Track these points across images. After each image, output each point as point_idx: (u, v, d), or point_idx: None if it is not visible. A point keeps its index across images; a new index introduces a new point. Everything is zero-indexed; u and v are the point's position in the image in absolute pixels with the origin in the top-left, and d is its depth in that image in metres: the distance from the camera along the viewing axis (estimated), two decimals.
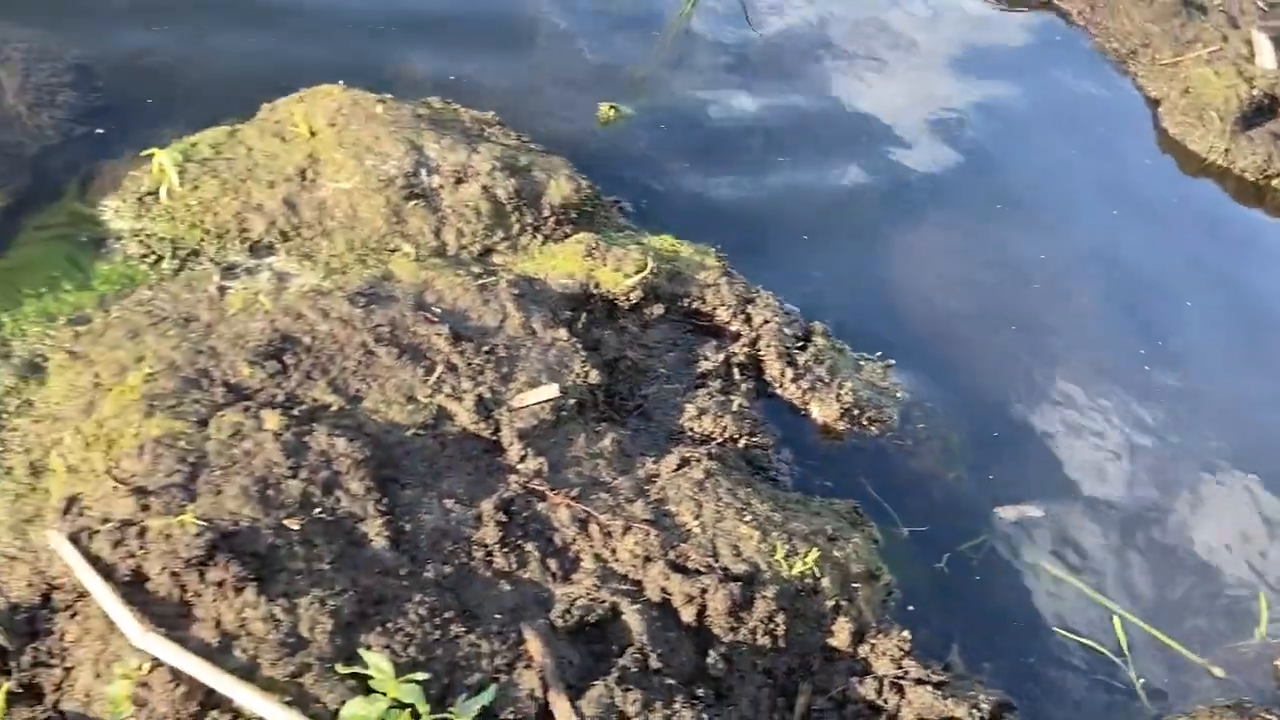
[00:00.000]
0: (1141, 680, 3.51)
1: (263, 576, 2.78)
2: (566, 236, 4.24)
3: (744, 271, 4.35)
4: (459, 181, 4.15)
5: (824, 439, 3.94)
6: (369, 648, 2.69)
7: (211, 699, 2.59)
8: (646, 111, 5.16)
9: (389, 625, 2.79)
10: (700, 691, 2.94)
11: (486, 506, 3.18)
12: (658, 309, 4.13)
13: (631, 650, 2.93)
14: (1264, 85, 6.12)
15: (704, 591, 3.10)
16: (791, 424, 3.96)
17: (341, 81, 4.37)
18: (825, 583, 3.27)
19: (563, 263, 4.09)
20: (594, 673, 2.88)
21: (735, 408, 3.84)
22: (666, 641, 3.02)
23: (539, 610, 3.00)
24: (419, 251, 3.98)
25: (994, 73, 6.24)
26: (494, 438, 3.45)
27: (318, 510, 3.00)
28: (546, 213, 4.24)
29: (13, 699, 2.63)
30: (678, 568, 3.17)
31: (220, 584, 2.73)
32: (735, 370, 4.03)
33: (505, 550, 3.11)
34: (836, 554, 3.39)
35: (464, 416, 3.43)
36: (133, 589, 2.75)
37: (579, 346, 3.78)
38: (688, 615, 3.08)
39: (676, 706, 2.82)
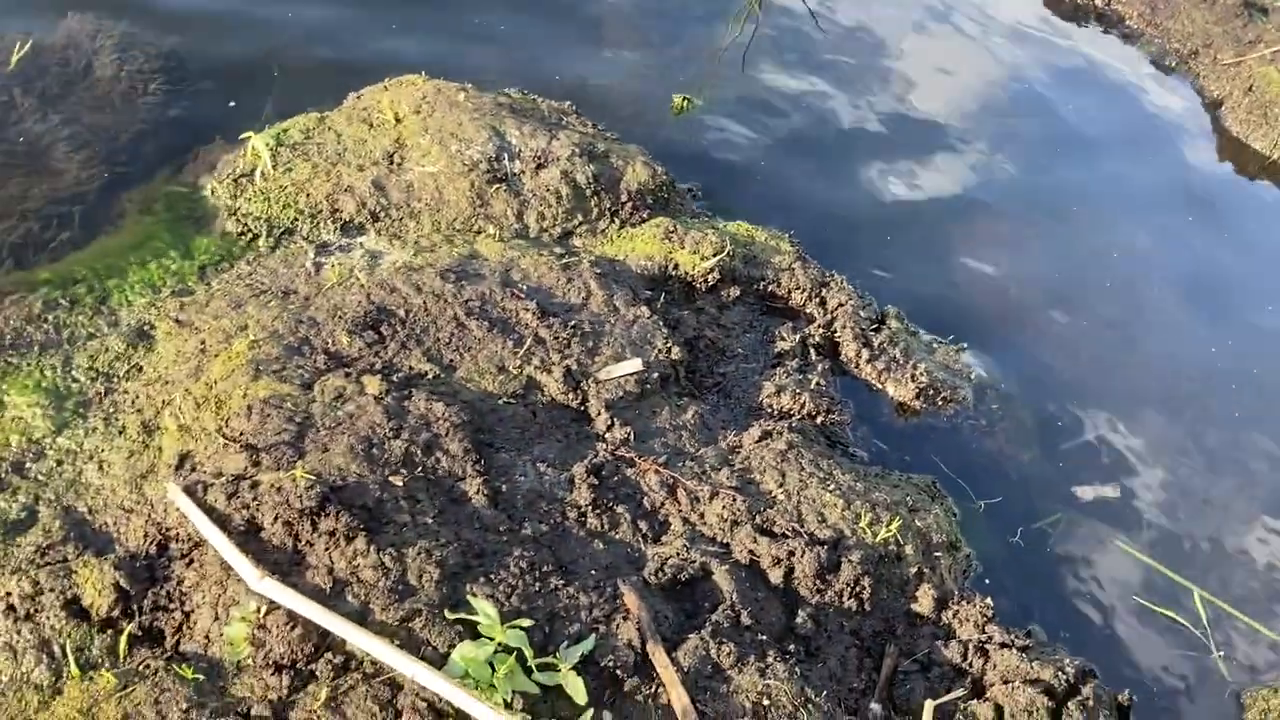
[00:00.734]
0: (1221, 653, 3.53)
1: (371, 528, 2.88)
2: (643, 221, 4.34)
3: (817, 259, 4.43)
4: (539, 167, 4.26)
5: (900, 417, 4.01)
6: (474, 595, 2.79)
7: (326, 641, 2.69)
8: (717, 104, 5.26)
9: (491, 576, 2.88)
10: (791, 648, 3.01)
11: (579, 470, 3.27)
12: (734, 291, 4.22)
13: (723, 607, 3.01)
14: None
15: (791, 554, 3.17)
16: (868, 402, 4.02)
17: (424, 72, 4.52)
18: (908, 550, 3.34)
19: (642, 245, 4.19)
20: (687, 628, 2.96)
21: (813, 385, 3.91)
22: (756, 601, 3.09)
23: (631, 569, 3.08)
24: (502, 233, 4.09)
25: (1056, 78, 6.29)
26: (581, 408, 3.54)
27: (419, 469, 3.10)
28: (624, 198, 4.35)
29: (135, 641, 2.74)
30: (765, 531, 3.24)
31: (332, 533, 2.83)
32: (811, 351, 4.10)
33: (598, 512, 3.20)
34: (918, 524, 3.45)
35: (553, 387, 3.53)
36: (247, 538, 2.86)
37: (660, 324, 3.87)
38: (775, 577, 3.16)
39: (770, 660, 2.89)
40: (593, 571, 3.03)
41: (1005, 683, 3.04)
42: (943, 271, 4.73)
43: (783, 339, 4.10)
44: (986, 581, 3.52)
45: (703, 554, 3.14)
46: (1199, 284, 5.07)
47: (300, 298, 3.65)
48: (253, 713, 2.60)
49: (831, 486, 3.43)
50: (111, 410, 3.27)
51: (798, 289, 4.29)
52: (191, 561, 2.88)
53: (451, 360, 3.50)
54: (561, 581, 2.95)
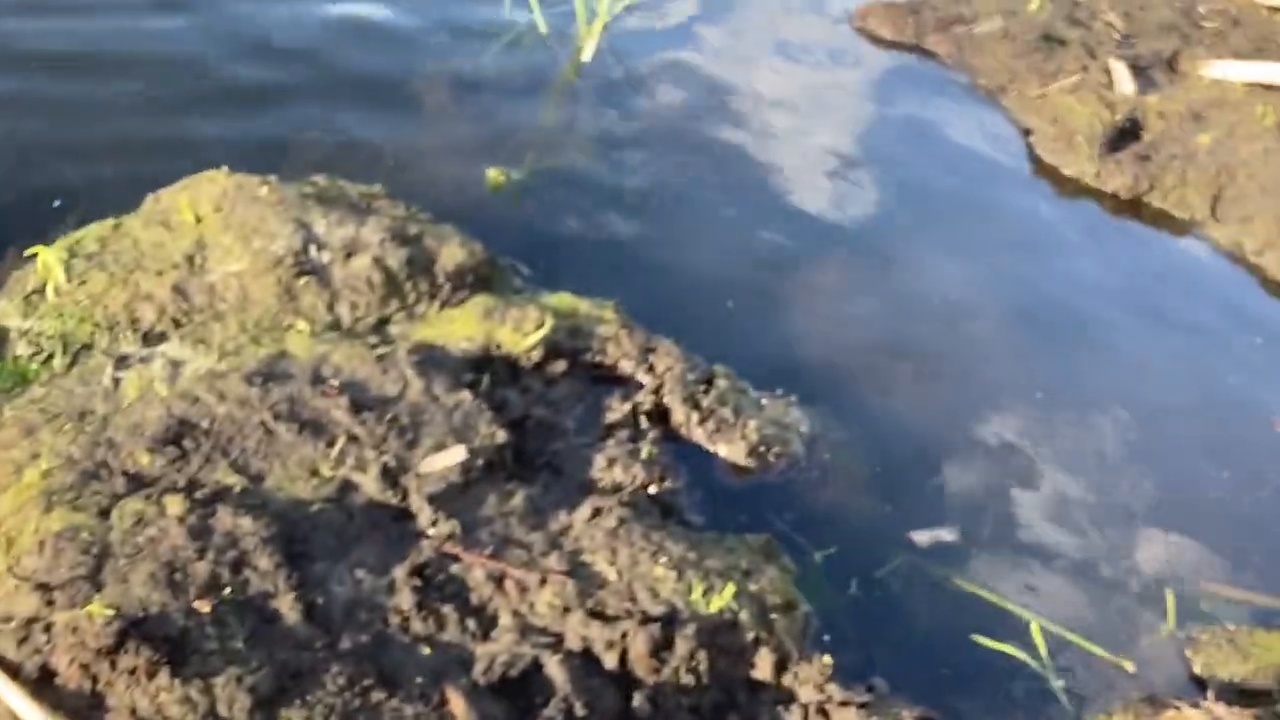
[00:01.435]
0: (1061, 683, 3.58)
1: (176, 660, 2.74)
2: (463, 302, 4.28)
3: (643, 324, 4.42)
4: (349, 255, 4.17)
5: (733, 477, 4.00)
6: None
7: None
8: (538, 176, 5.25)
9: (308, 697, 2.76)
10: None
11: (399, 573, 3.17)
12: (561, 365, 4.17)
13: (555, 700, 2.94)
14: (1124, 110, 6.43)
15: (624, 635, 3.12)
16: (701, 466, 4.01)
17: (225, 166, 4.40)
18: (744, 616, 3.31)
19: (461, 327, 4.12)
20: None
21: (644, 455, 3.88)
22: (590, 689, 3.02)
23: (460, 670, 2.98)
24: (314, 327, 3.99)
25: (877, 119, 6.46)
26: (402, 505, 3.45)
27: (228, 590, 2.96)
28: (441, 279, 4.28)
29: None
30: (596, 615, 3.18)
31: (132, 670, 2.68)
32: (642, 418, 4.07)
33: (422, 614, 3.10)
34: (753, 588, 3.43)
35: (370, 486, 3.43)
36: (41, 686, 2.69)
37: (484, 407, 3.80)
38: (610, 661, 3.09)
39: None
40: (418, 679, 2.93)
41: None
42: (770, 326, 4.77)
43: (612, 409, 4.07)
44: (826, 638, 3.51)
45: (534, 646, 3.06)
46: (1025, 317, 5.21)
47: (98, 417, 3.48)
48: None
49: (663, 559, 3.39)
50: None
51: (625, 357, 4.27)
52: None
53: (260, 469, 3.38)
54: (384, 694, 2.84)
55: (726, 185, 5.58)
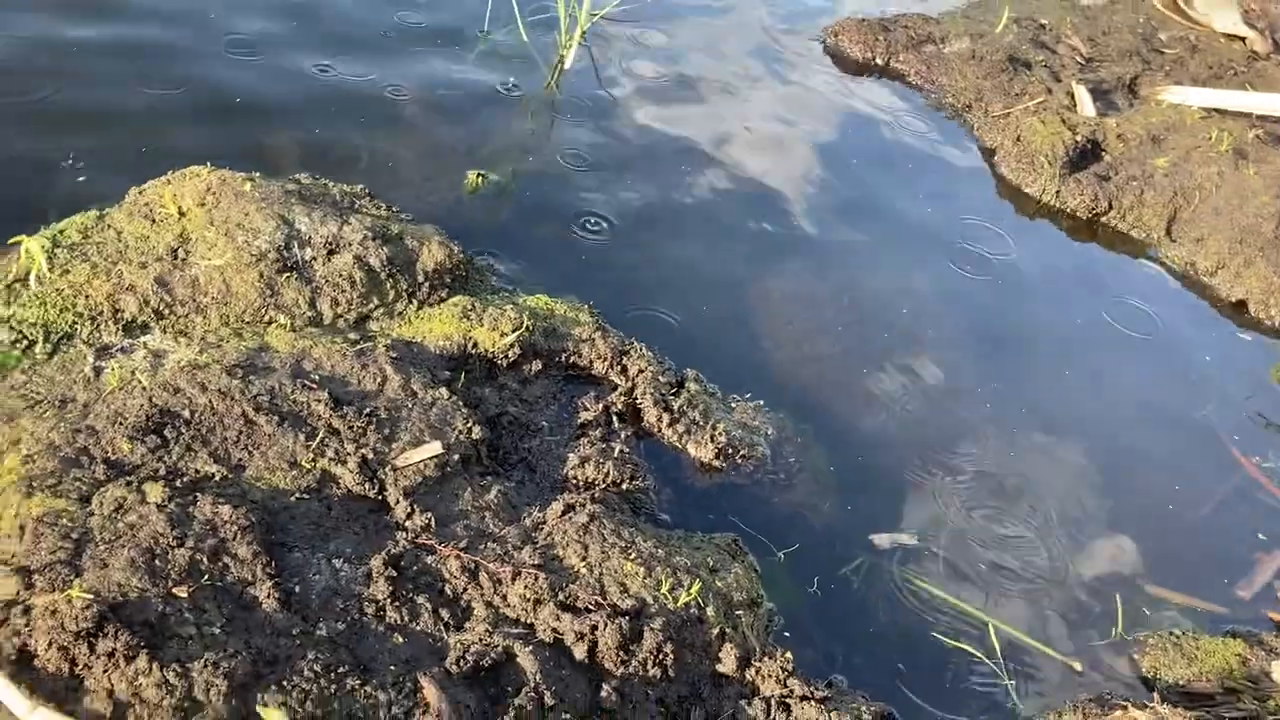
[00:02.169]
0: (1013, 682, 3.71)
1: (154, 644, 2.79)
2: (442, 301, 4.35)
3: (616, 327, 4.52)
4: (331, 253, 4.24)
5: (702, 478, 4.10)
6: (264, 705, 2.72)
7: None
8: (516, 178, 5.33)
9: (284, 683, 2.82)
10: None
11: (376, 563, 3.24)
12: (536, 365, 4.26)
13: (526, 690, 3.02)
14: (1085, 132, 6.60)
15: (594, 628, 3.21)
16: (671, 465, 4.11)
17: (209, 163, 4.45)
18: (709, 612, 3.41)
19: (439, 326, 4.20)
20: (491, 715, 2.96)
21: (616, 454, 3.97)
22: (561, 679, 3.10)
23: (434, 660, 3.06)
24: (295, 322, 4.05)
25: (845, 135, 6.60)
26: (379, 497, 3.52)
27: (206, 577, 3.02)
28: (420, 278, 4.36)
29: None
30: (567, 608, 3.27)
31: (111, 654, 2.73)
32: (614, 419, 4.17)
33: (397, 604, 3.17)
34: (719, 584, 3.53)
35: (348, 478, 3.50)
36: (20, 668, 2.74)
37: (460, 404, 3.88)
38: (580, 653, 3.18)
39: None
40: (392, 667, 3.00)
41: None
42: (742, 330, 4.88)
43: (586, 409, 4.16)
44: (787, 635, 3.62)
45: (506, 637, 3.14)
46: (986, 331, 5.35)
47: (79, 405, 3.53)
48: None
49: (633, 555, 3.48)
50: None
51: (599, 358, 4.36)
52: None
53: (240, 459, 3.44)
54: (359, 681, 2.91)
55: (698, 192, 5.70)
